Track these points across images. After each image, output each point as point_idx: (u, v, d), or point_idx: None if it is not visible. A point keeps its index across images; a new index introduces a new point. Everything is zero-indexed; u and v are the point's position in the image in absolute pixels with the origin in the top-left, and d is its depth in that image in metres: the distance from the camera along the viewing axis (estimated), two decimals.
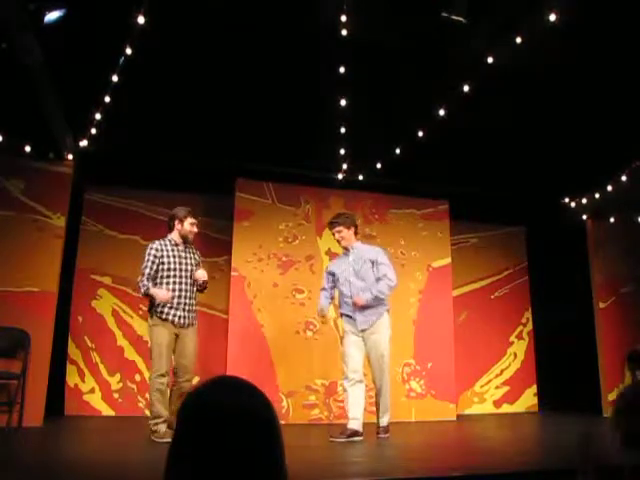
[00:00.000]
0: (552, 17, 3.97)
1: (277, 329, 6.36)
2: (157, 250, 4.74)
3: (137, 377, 6.27)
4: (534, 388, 7.81)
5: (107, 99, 4.93)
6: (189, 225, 4.87)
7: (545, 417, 7.33)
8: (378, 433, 5.01)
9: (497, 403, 7.63)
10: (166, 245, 4.80)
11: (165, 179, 6.41)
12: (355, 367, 4.96)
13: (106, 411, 6.25)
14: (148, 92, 5.08)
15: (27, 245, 5.50)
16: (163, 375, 4.57)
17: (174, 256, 4.78)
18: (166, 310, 4.62)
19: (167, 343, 4.60)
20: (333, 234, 5.24)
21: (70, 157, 5.79)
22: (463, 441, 5.50)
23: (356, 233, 5.24)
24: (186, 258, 4.84)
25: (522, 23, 4.10)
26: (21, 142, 5.54)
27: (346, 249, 5.21)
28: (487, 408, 7.55)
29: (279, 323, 6.38)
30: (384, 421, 5.05)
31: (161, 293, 4.59)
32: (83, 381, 6.28)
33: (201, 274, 4.82)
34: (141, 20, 3.98)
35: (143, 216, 6.75)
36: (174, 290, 4.67)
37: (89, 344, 6.35)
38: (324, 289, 5.30)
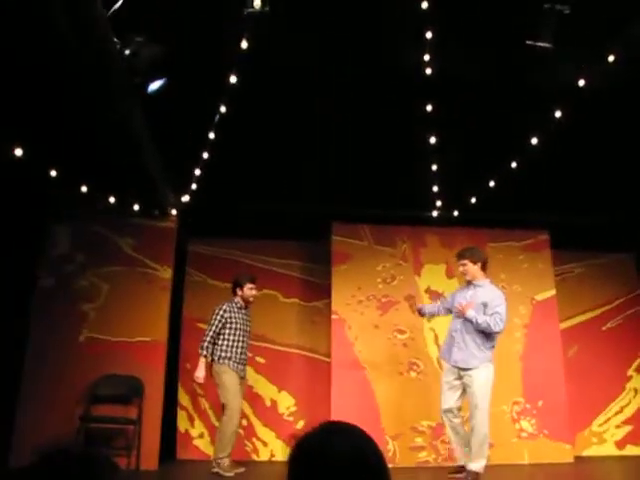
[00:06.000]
0: None
1: (380, 370, 6.30)
2: (225, 311, 5.56)
3: (244, 422, 6.38)
4: None
5: (205, 155, 5.21)
6: (248, 290, 5.67)
7: None
8: (464, 478, 4.78)
9: (619, 444, 7.07)
10: (233, 307, 5.62)
11: (263, 228, 6.61)
12: (445, 407, 5.01)
13: None
14: (243, 145, 5.33)
15: (138, 297, 5.85)
16: (239, 412, 5.42)
17: (238, 317, 5.60)
18: (233, 364, 5.46)
19: (238, 387, 5.43)
20: (459, 266, 5.29)
21: (174, 212, 6.13)
22: None
23: (484, 270, 5.19)
24: (245, 320, 5.67)
25: (612, 44, 3.96)
26: (130, 202, 5.95)
27: (469, 282, 5.20)
28: (608, 449, 7.00)
29: (382, 364, 6.32)
30: (474, 466, 4.78)
31: (201, 373, 5.39)
32: (192, 426, 6.45)
33: None
34: (233, 79, 4.21)
35: (243, 264, 6.91)
36: (237, 347, 5.51)
37: (198, 390, 6.54)
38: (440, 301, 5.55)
